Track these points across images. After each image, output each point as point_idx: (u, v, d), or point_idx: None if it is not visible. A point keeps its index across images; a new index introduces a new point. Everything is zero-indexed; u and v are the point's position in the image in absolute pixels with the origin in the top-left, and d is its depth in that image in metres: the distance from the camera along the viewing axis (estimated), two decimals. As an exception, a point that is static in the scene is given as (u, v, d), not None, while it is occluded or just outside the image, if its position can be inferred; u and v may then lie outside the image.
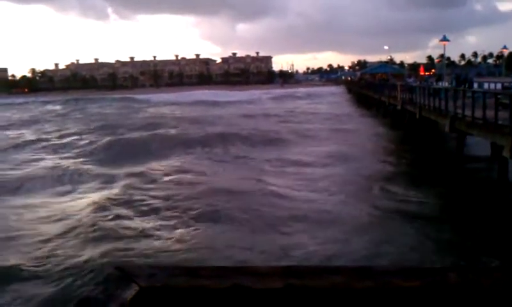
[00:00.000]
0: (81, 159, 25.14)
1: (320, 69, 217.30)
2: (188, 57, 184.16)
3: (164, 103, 70.39)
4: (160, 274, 1.57)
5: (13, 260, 10.65)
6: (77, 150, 28.57)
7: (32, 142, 33.08)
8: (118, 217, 13.63)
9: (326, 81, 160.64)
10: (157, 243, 11.54)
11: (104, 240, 11.66)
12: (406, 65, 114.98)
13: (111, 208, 14.46)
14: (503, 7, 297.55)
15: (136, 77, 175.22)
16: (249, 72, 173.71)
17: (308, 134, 32.62)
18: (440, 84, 34.28)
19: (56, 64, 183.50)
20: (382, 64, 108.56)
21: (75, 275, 9.51)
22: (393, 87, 37.36)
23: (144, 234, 12.16)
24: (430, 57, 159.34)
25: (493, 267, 1.51)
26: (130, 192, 16.57)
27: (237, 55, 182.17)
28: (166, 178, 19.27)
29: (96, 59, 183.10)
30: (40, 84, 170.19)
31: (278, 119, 43.23)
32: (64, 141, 33.02)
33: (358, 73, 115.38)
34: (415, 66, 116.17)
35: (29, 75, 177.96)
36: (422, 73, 74.10)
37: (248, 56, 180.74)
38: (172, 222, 13.06)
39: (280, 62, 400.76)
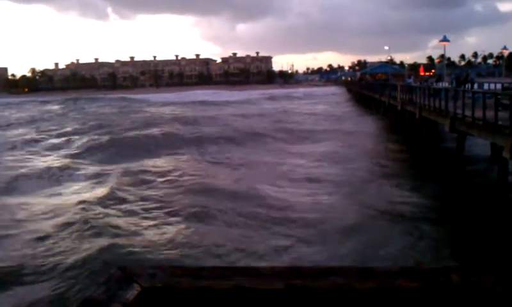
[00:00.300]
0: (74, 158, 25.48)
1: (320, 69, 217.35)
2: (188, 57, 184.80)
3: (162, 104, 70.44)
4: (162, 274, 1.56)
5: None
6: (72, 149, 29.09)
7: (29, 141, 33.67)
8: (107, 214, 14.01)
9: (326, 81, 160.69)
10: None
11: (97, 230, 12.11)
12: (406, 65, 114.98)
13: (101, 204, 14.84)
14: (503, 7, 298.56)
15: (136, 76, 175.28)
16: (249, 72, 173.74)
17: (306, 135, 32.69)
18: (440, 84, 34.26)
19: (56, 64, 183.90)
20: (382, 64, 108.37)
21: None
22: (393, 87, 37.37)
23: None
24: (430, 58, 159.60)
25: (496, 268, 1.51)
26: (121, 188, 16.96)
27: (237, 55, 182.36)
28: (157, 175, 19.68)
29: (96, 59, 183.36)
30: (40, 83, 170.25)
31: (276, 120, 43.03)
32: (60, 140, 33.45)
33: (358, 74, 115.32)
34: (415, 67, 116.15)
35: (29, 74, 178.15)
36: (422, 74, 74.07)
37: (248, 56, 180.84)
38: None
39: (280, 63, 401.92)
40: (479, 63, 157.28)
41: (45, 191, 17.95)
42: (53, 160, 24.90)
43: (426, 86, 27.37)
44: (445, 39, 42.31)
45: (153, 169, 20.96)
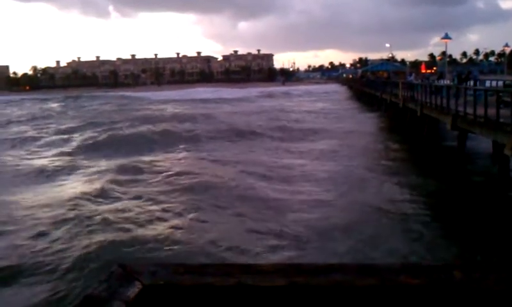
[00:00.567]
0: (71, 155, 26.05)
1: (321, 67, 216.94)
2: (189, 54, 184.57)
3: (162, 101, 70.53)
4: (163, 272, 1.56)
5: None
6: (68, 145, 29.76)
7: (29, 138, 34.32)
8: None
9: (327, 79, 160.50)
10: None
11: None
12: (407, 63, 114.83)
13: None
14: (505, 5, 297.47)
15: (138, 74, 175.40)
16: (251, 70, 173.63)
17: (306, 133, 32.64)
18: (442, 81, 34.21)
19: (57, 62, 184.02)
20: (383, 61, 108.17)
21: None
22: (395, 85, 37.31)
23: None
24: (432, 55, 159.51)
25: (499, 265, 1.51)
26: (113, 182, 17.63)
27: (239, 52, 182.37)
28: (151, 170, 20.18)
29: (97, 57, 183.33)
30: (41, 81, 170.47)
31: (274, 117, 42.83)
32: (58, 137, 33.98)
33: (360, 71, 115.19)
34: (416, 64, 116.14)
35: (30, 72, 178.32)
36: (423, 71, 74.00)
37: (249, 54, 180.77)
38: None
39: (281, 60, 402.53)
40: (481, 61, 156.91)
41: (38, 187, 18.28)
42: (49, 158, 25.41)
43: (428, 84, 27.34)
44: (446, 37, 42.24)
45: (149, 166, 21.20)
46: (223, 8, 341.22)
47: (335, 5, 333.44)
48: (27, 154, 27.62)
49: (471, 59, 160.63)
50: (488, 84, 29.35)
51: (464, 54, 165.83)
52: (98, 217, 13.13)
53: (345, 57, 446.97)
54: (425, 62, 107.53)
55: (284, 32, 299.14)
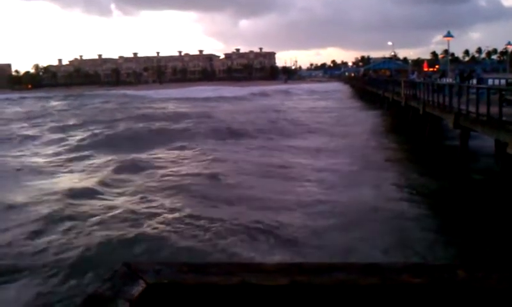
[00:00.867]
0: (70, 152, 26.58)
1: (323, 65, 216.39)
2: (191, 53, 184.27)
3: (163, 100, 70.64)
4: (167, 271, 1.58)
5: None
6: (68, 143, 30.30)
7: (30, 136, 34.90)
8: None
9: (329, 77, 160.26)
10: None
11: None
12: (409, 61, 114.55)
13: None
14: (507, 3, 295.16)
15: (140, 72, 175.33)
16: (253, 68, 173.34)
17: (306, 130, 32.75)
18: (444, 80, 34.13)
19: (60, 60, 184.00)
20: (386, 60, 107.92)
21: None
22: (397, 83, 37.24)
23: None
24: (434, 53, 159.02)
25: (501, 265, 1.50)
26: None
27: (241, 51, 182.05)
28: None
29: (99, 55, 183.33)
30: (43, 79, 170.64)
31: (274, 116, 42.71)
32: (57, 135, 34.34)
33: (362, 69, 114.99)
34: (418, 62, 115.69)
35: (32, 70, 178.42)
36: (425, 69, 73.74)
37: (251, 52, 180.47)
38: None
39: (283, 58, 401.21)
40: (483, 59, 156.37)
41: (36, 181, 18.63)
42: (48, 155, 25.86)
43: (430, 82, 27.29)
44: (449, 35, 42.04)
45: (147, 164, 21.54)
46: (224, 6, 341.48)
47: (336, 3, 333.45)
48: (28, 153, 27.83)
49: (473, 58, 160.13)
50: (490, 82, 29.27)
51: (466, 52, 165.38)
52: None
53: (347, 56, 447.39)
54: (428, 60, 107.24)
55: (286, 30, 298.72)
